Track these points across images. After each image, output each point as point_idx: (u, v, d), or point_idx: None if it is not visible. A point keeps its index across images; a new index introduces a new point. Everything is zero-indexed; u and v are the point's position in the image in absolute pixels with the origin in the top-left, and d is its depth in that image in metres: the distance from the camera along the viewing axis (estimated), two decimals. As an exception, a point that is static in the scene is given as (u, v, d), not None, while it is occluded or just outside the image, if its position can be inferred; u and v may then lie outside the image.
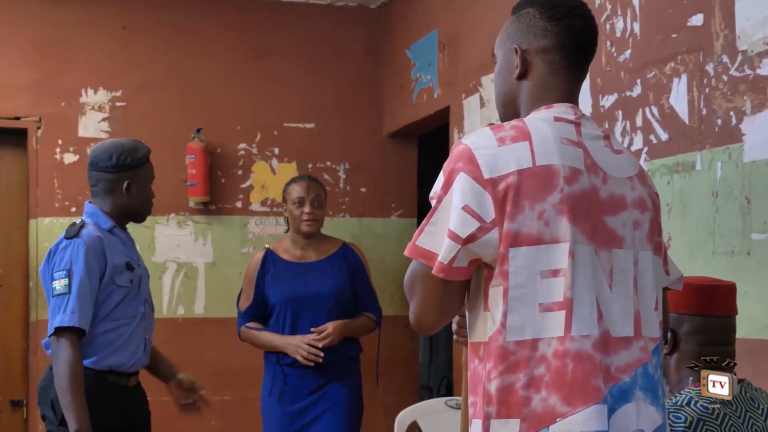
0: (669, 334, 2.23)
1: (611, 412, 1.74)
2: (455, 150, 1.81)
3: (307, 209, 4.20)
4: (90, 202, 3.47)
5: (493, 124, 1.96)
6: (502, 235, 1.73)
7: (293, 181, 4.34)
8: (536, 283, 1.74)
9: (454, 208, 1.75)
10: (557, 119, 1.86)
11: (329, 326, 4.10)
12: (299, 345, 4.06)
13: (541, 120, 1.85)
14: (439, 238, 1.77)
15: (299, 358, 4.05)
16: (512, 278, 1.74)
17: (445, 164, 1.82)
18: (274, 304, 4.20)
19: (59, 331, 3.18)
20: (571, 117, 1.88)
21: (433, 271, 1.77)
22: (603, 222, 1.81)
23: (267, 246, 4.37)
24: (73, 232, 3.29)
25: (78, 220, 3.37)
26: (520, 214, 1.73)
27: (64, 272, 3.23)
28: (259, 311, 4.25)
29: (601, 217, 1.81)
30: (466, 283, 1.83)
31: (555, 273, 1.74)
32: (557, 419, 1.71)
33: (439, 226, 1.78)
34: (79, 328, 3.19)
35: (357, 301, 4.30)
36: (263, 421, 4.29)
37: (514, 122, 1.85)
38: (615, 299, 1.80)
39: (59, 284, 3.23)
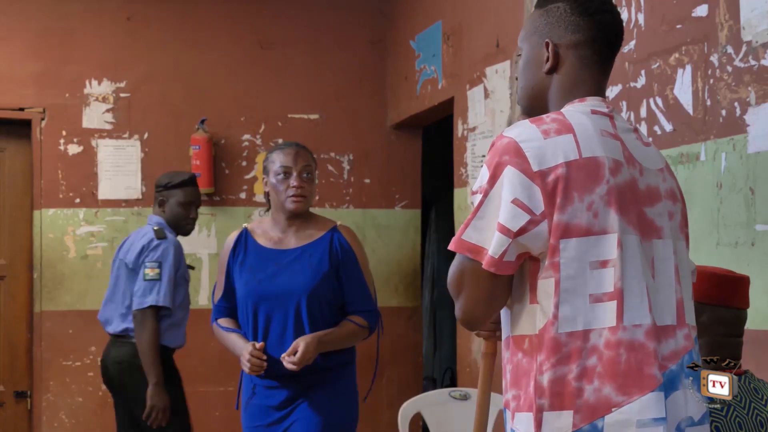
0: None
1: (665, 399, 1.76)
2: (499, 143, 1.81)
3: (294, 182, 3.32)
4: (152, 213, 4.39)
5: (528, 117, 1.96)
6: (552, 227, 1.74)
7: (277, 148, 3.43)
8: (586, 274, 1.75)
9: (504, 201, 1.75)
10: (594, 112, 1.88)
11: (300, 344, 3.18)
12: (242, 354, 3.24)
13: (579, 113, 1.86)
14: (487, 232, 1.77)
15: (246, 370, 3.24)
16: (563, 269, 1.75)
17: (489, 158, 1.81)
18: (238, 300, 3.39)
19: (150, 308, 4.10)
20: (605, 110, 1.90)
21: (483, 266, 1.77)
22: (643, 213, 1.84)
23: (245, 225, 3.49)
24: (162, 235, 4.21)
25: (155, 226, 4.23)
26: (569, 206, 1.74)
27: (157, 263, 4.14)
28: (231, 305, 3.43)
29: (641, 208, 1.84)
30: (512, 276, 1.83)
31: (604, 264, 1.75)
32: (613, 409, 1.71)
33: (487, 220, 1.77)
34: (162, 307, 4.12)
35: (345, 301, 3.39)
36: None
37: (553, 115, 1.86)
38: (658, 289, 1.82)
39: (152, 272, 4.12)
